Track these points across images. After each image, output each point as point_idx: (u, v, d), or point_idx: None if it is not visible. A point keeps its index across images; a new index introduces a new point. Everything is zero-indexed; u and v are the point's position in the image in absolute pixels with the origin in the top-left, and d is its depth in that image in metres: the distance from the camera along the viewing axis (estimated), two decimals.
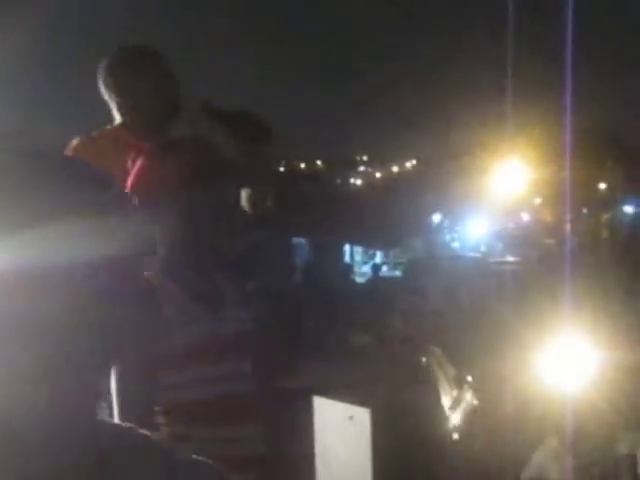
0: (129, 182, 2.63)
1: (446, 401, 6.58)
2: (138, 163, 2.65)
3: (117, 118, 3.47)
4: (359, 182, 48.19)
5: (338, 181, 45.40)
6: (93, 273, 0.97)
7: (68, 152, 3.24)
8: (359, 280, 25.25)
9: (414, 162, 46.57)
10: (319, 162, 49.83)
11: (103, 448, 1.06)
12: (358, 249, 35.01)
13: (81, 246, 0.95)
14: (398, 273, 25.75)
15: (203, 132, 3.39)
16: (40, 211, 0.95)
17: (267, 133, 3.45)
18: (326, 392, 4.51)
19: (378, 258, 36.15)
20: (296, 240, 23.60)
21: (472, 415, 5.91)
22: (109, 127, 3.47)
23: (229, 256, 2.78)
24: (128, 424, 1.15)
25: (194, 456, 1.17)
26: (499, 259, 19.48)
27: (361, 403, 4.23)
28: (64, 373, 0.98)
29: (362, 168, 52.46)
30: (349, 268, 22.78)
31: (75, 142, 3.33)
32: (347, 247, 31.58)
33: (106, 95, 3.47)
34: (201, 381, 2.57)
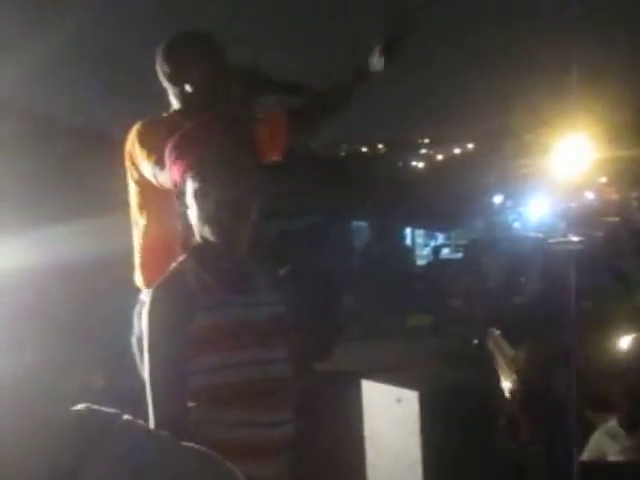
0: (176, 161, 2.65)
1: (505, 384, 6.49)
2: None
3: (174, 104, 3.51)
4: (421, 165, 48.02)
5: (400, 164, 45.30)
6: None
7: (131, 135, 3.34)
8: (420, 262, 25.21)
9: (475, 143, 46.23)
10: (380, 145, 49.73)
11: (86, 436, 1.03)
12: (419, 232, 34.93)
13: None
14: (459, 255, 25.58)
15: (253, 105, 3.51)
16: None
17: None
18: (375, 375, 4.46)
19: (439, 240, 36.03)
20: (356, 223, 23.61)
21: (528, 397, 5.81)
22: (166, 114, 3.51)
23: (261, 241, 2.77)
24: (113, 410, 1.12)
25: (186, 443, 1.13)
26: (562, 239, 19.25)
27: (410, 386, 4.16)
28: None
29: (423, 150, 52.23)
30: (409, 251, 22.75)
31: (138, 125, 3.39)
32: (408, 230, 31.53)
33: (164, 82, 3.52)
34: (235, 365, 2.56)
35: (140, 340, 3.17)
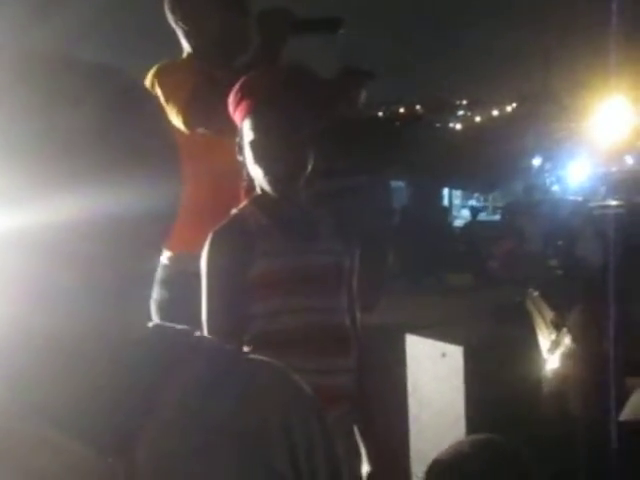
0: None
1: (544, 344, 6.50)
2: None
3: (186, 47, 3.36)
4: (458, 126, 47.67)
5: (437, 125, 45.00)
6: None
7: (149, 80, 3.22)
8: (458, 223, 25.13)
9: (514, 105, 45.79)
10: (418, 106, 49.37)
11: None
12: (457, 193, 34.82)
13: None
14: (497, 217, 25.50)
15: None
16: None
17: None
18: (419, 329, 4.50)
19: (477, 202, 35.89)
20: (395, 184, 23.54)
21: (570, 359, 5.83)
22: (180, 59, 3.38)
23: (324, 191, 2.76)
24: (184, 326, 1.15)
25: (253, 356, 1.17)
26: (601, 203, 19.08)
27: (454, 341, 4.19)
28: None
29: (461, 112, 51.81)
30: (447, 211, 22.67)
31: (155, 70, 3.24)
32: (446, 191, 31.41)
33: (172, 22, 3.35)
34: (292, 311, 2.58)
35: (160, 305, 3.15)
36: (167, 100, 3.09)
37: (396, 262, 13.16)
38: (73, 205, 0.91)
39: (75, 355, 0.97)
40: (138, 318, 1.06)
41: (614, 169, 32.03)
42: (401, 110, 47.29)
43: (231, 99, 2.62)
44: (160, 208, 1.00)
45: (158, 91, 3.13)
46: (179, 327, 1.13)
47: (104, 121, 0.95)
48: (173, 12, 3.32)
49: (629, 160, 36.92)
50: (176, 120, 3.06)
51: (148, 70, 3.26)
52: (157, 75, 3.19)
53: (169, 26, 3.40)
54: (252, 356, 1.16)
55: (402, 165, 21.38)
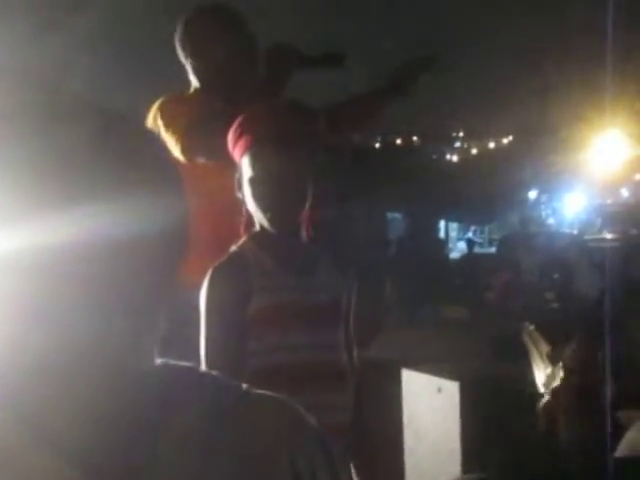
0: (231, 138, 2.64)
1: (539, 378, 6.51)
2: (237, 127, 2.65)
3: (194, 82, 3.39)
4: (455, 158, 47.75)
5: (434, 156, 45.05)
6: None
7: (153, 112, 3.21)
8: (454, 256, 25.11)
9: (511, 137, 45.92)
10: (415, 137, 49.46)
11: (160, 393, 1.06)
12: (453, 225, 34.85)
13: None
14: (493, 249, 25.50)
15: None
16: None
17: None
18: (415, 364, 4.51)
19: (473, 234, 35.91)
20: (391, 215, 23.59)
21: (566, 392, 5.83)
22: (186, 93, 3.40)
23: (321, 223, 2.78)
24: (188, 363, 1.16)
25: (261, 391, 1.18)
26: (597, 236, 19.11)
27: (450, 376, 4.21)
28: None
29: (458, 144, 51.92)
30: (443, 243, 22.67)
31: (159, 103, 3.25)
32: (442, 223, 31.45)
33: (182, 57, 3.39)
34: (289, 348, 2.59)
35: (164, 339, 3.15)
36: (167, 129, 3.11)
37: (392, 294, 13.17)
38: (69, 226, 0.92)
39: (74, 379, 0.97)
40: (143, 348, 1.07)
41: (610, 202, 32.09)
42: (398, 141, 47.40)
43: (230, 135, 2.64)
44: (161, 228, 1.01)
45: (159, 122, 3.15)
46: (183, 364, 1.15)
47: (100, 141, 0.96)
48: (184, 48, 3.37)
49: (625, 193, 36.99)
50: (174, 149, 3.06)
51: (152, 100, 3.29)
52: (160, 107, 3.22)
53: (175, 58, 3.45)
54: (255, 390, 1.17)
55: (398, 196, 21.44)
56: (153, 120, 3.19)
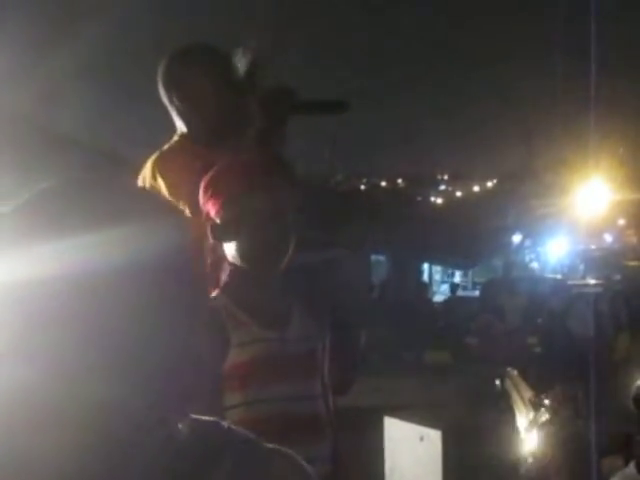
0: (204, 190, 2.60)
1: (522, 423, 6.49)
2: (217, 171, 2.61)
3: (179, 126, 3.18)
4: (440, 200, 47.98)
5: (419, 199, 45.26)
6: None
7: (149, 169, 3.08)
8: (437, 299, 25.14)
9: (495, 181, 46.21)
10: (400, 180, 49.73)
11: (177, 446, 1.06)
12: (437, 268, 34.87)
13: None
14: (477, 293, 25.55)
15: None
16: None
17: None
18: (397, 412, 4.49)
19: (457, 277, 35.96)
20: (375, 258, 23.60)
21: (548, 439, 5.82)
22: (173, 140, 3.19)
23: (295, 272, 2.75)
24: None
25: (272, 446, 1.21)
26: (580, 281, 19.17)
27: (432, 424, 4.18)
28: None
29: (443, 187, 52.21)
30: (426, 287, 22.69)
31: (154, 160, 3.10)
32: (426, 266, 31.48)
33: (166, 100, 3.15)
34: (267, 401, 2.56)
35: None
36: (169, 191, 2.97)
37: (374, 338, 13.15)
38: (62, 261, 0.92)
39: (96, 436, 0.98)
40: (166, 403, 1.05)
41: (593, 247, 32.22)
42: (382, 183, 47.61)
43: (204, 187, 2.59)
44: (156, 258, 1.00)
45: (160, 182, 3.03)
46: (209, 419, 1.15)
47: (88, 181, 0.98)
48: (168, 91, 3.13)
49: (608, 238, 37.20)
50: (184, 210, 2.92)
51: (145, 155, 3.15)
52: (157, 166, 3.07)
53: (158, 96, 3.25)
54: (269, 445, 1.20)
55: (382, 239, 21.48)
56: (151, 178, 3.05)
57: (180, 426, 1.07)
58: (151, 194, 1.10)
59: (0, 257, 0.93)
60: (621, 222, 36.43)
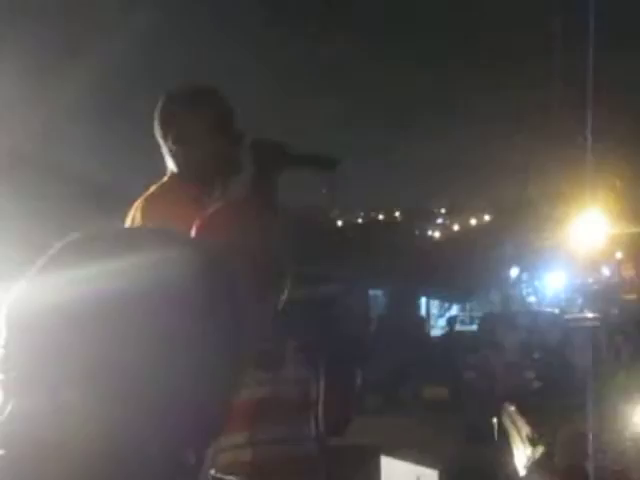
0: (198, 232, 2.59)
1: (519, 460, 6.47)
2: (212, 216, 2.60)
3: (170, 166, 3.16)
4: (437, 234, 48.07)
5: (416, 232, 45.34)
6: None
7: (140, 209, 3.05)
8: (435, 333, 25.14)
9: (492, 214, 46.30)
10: (397, 213, 49.87)
11: None
12: (434, 302, 34.84)
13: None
14: (474, 327, 25.52)
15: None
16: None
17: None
18: (394, 451, 4.46)
19: (454, 311, 35.93)
20: (372, 291, 23.61)
21: (546, 475, 5.79)
22: (163, 180, 3.17)
23: (290, 311, 2.74)
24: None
25: None
26: (577, 315, 19.16)
27: (429, 464, 4.16)
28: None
29: (440, 220, 52.34)
30: (424, 321, 22.69)
31: (144, 200, 3.07)
32: (423, 300, 31.47)
33: (161, 139, 3.15)
34: (262, 443, 2.55)
35: None
36: None
37: (372, 374, 13.12)
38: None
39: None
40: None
41: (591, 280, 32.22)
42: (380, 216, 47.74)
43: (194, 233, 2.57)
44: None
45: (148, 222, 3.00)
46: (230, 477, 1.18)
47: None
48: (164, 129, 3.12)
49: (605, 271, 37.18)
50: None
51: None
52: (146, 205, 3.04)
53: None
54: None
55: (380, 272, 21.49)
56: (141, 219, 3.00)
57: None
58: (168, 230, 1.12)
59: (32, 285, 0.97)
60: (619, 255, 36.39)
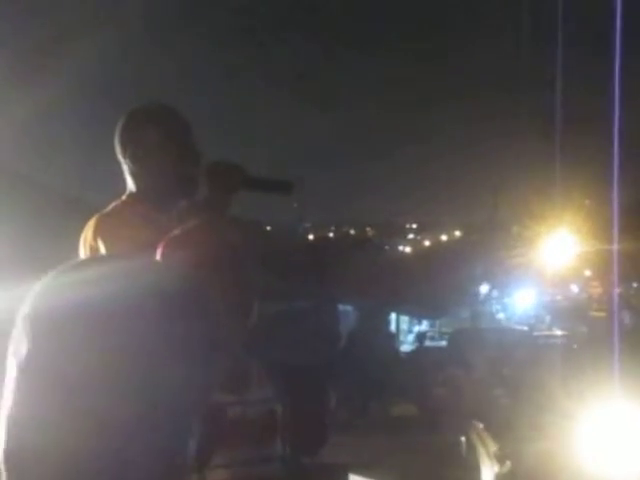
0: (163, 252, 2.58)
1: (487, 477, 6.50)
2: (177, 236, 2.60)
3: (129, 184, 3.17)
4: (408, 249, 48.22)
5: (387, 247, 45.46)
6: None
7: (91, 231, 3.03)
8: (404, 349, 25.14)
9: (462, 231, 46.52)
10: (369, 228, 50.01)
11: None
12: (404, 318, 34.87)
13: None
14: (444, 343, 25.58)
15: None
16: None
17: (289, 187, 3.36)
18: (362, 469, 4.47)
19: (424, 327, 35.97)
20: (342, 307, 23.58)
21: None
22: (121, 200, 3.16)
23: (253, 333, 2.75)
24: None
25: None
26: (546, 332, 19.29)
27: None
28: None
29: (411, 236, 52.53)
30: (393, 337, 22.67)
31: (95, 221, 3.05)
32: (393, 315, 31.49)
33: (120, 156, 3.15)
34: (226, 465, 2.56)
35: None
36: (108, 250, 2.91)
37: (342, 390, 13.11)
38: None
39: None
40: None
41: (559, 297, 32.38)
42: (351, 231, 47.80)
43: (159, 255, 2.57)
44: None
45: (100, 242, 2.99)
46: None
47: None
48: (123, 147, 3.11)
49: (574, 289, 37.41)
50: None
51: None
52: (98, 226, 3.02)
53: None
54: None
55: (350, 288, 21.49)
56: (92, 240, 2.97)
57: None
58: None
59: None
60: (587, 273, 36.65)
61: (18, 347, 1.01)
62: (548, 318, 25.87)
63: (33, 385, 0.99)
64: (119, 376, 0.99)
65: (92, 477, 0.99)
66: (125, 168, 3.12)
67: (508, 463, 6.62)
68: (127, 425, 1.00)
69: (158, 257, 2.56)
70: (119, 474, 1.00)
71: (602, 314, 24.42)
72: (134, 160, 3.09)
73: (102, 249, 2.90)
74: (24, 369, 1.00)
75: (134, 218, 2.91)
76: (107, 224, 2.99)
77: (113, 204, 3.13)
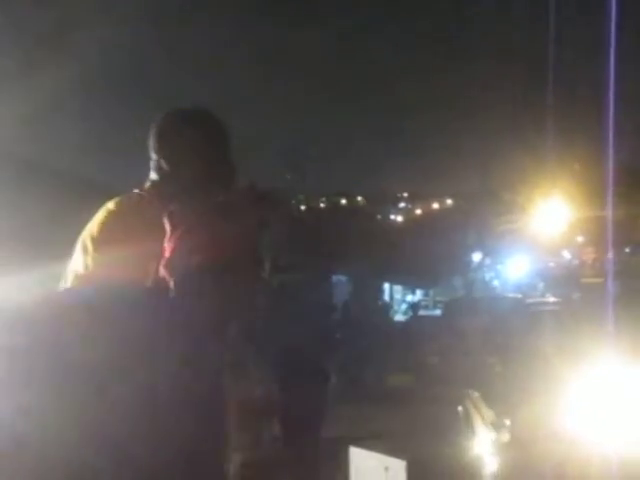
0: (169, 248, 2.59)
1: (484, 445, 6.56)
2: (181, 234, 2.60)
3: (153, 176, 3.17)
4: (399, 218, 48.16)
5: (378, 217, 45.39)
6: None
7: (99, 216, 3.02)
8: (398, 318, 25.19)
9: (454, 199, 46.47)
10: (360, 198, 49.88)
11: None
12: (398, 287, 34.92)
13: None
14: (438, 312, 25.64)
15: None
16: None
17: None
18: (362, 441, 4.53)
19: (418, 296, 36.03)
20: (336, 278, 23.63)
21: (510, 459, 5.89)
22: (143, 188, 3.16)
23: (250, 318, 2.76)
24: None
25: None
26: (539, 299, 19.32)
27: (397, 454, 4.23)
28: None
29: (402, 204, 52.43)
30: (387, 306, 22.74)
31: (100, 216, 3.03)
32: (386, 285, 31.53)
33: (153, 149, 3.17)
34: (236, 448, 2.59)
35: None
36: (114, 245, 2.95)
37: (337, 361, 13.16)
38: None
39: None
40: None
41: (552, 264, 32.45)
42: (343, 201, 47.71)
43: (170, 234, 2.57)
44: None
45: (106, 235, 2.99)
46: None
47: None
48: (159, 142, 3.10)
49: (566, 255, 37.47)
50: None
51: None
52: (105, 223, 3.01)
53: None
54: None
55: (343, 258, 21.52)
56: (98, 232, 2.89)
57: None
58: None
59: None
60: (580, 239, 36.70)
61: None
62: (541, 285, 25.91)
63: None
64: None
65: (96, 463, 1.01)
66: (154, 164, 3.13)
67: (504, 430, 6.68)
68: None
69: (173, 247, 2.57)
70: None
71: (595, 280, 24.48)
72: (169, 162, 3.11)
73: (100, 239, 2.90)
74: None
75: (142, 222, 2.89)
76: (115, 224, 2.98)
77: (121, 197, 3.11)
